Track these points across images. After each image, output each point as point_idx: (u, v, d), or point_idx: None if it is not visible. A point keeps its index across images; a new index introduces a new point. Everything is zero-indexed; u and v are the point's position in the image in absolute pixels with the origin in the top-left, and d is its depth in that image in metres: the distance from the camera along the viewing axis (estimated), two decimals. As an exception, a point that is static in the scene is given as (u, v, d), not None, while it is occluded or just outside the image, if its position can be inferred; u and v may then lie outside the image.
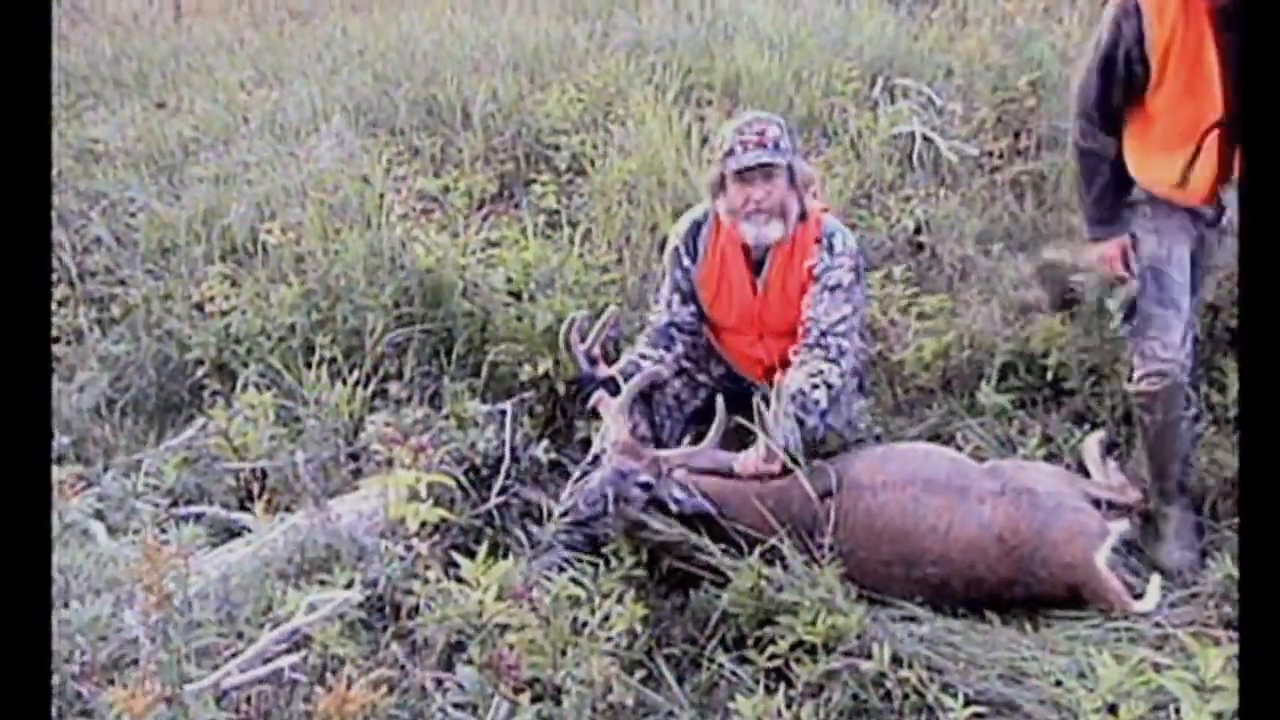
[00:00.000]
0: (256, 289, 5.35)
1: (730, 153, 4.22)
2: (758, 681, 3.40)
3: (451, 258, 5.28)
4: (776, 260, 4.34)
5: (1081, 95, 4.05)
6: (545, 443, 4.65)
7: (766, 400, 3.96)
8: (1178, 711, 2.76)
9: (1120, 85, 3.93)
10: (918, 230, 6.01)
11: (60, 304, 5.77)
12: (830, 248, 4.30)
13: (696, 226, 4.48)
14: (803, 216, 4.33)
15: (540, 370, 4.89)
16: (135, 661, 3.04)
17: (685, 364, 4.54)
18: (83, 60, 9.21)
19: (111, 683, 2.90)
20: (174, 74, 9.05)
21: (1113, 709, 2.89)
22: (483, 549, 3.36)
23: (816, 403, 4.14)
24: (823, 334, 4.24)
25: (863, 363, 4.65)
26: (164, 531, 3.62)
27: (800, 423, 4.07)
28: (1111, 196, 4.12)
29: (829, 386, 4.18)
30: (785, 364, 4.29)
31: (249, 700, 3.03)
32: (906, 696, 3.34)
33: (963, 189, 6.30)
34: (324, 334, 5.05)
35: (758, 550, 3.72)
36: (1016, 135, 6.76)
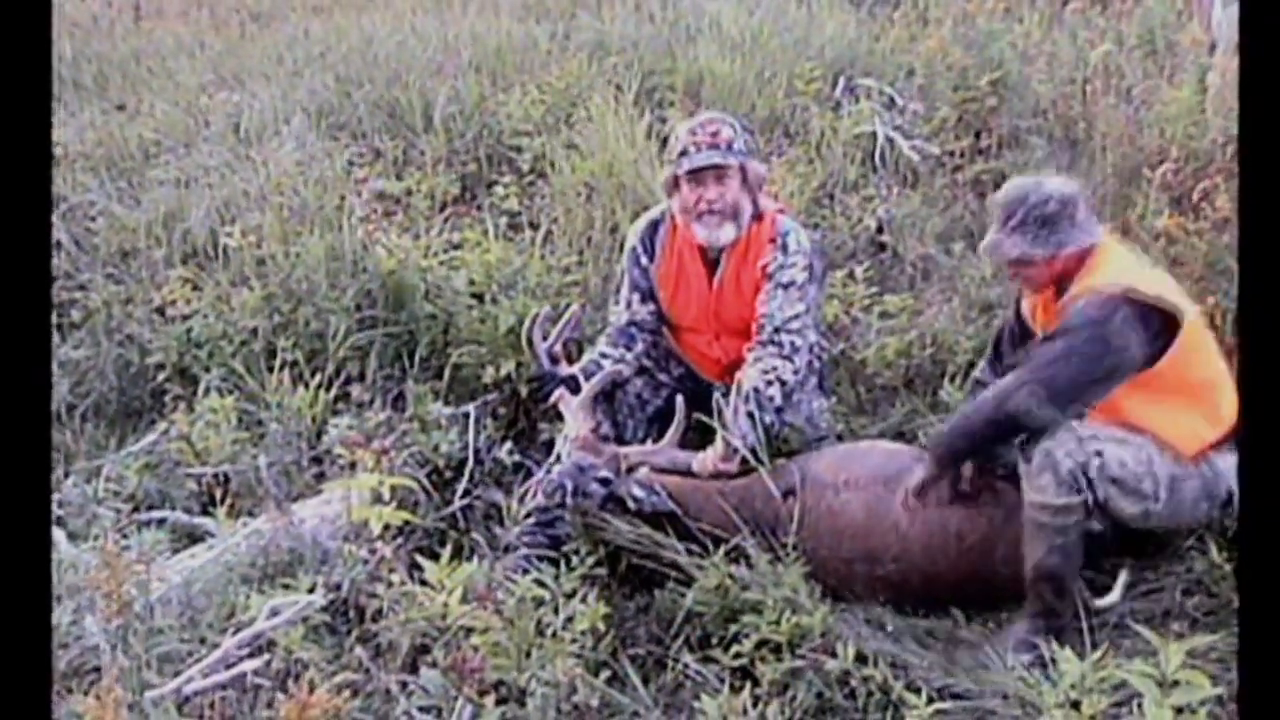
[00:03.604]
0: (217, 292, 5.32)
1: (684, 153, 4.23)
2: (722, 681, 3.40)
3: (413, 260, 5.27)
4: (732, 260, 4.35)
5: None
6: (509, 445, 4.65)
7: (726, 398, 3.97)
8: (1139, 706, 2.77)
9: None
10: (880, 230, 6.04)
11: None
12: (784, 247, 4.31)
13: (654, 226, 4.49)
14: (757, 216, 4.34)
15: (503, 372, 4.89)
16: (96, 669, 3.03)
17: (646, 363, 4.54)
18: (41, 63, 9.13)
19: (71, 690, 2.89)
20: (134, 77, 9.00)
21: (1075, 705, 2.90)
22: (446, 551, 3.37)
23: (771, 399, 4.16)
24: (776, 331, 4.25)
25: (824, 362, 4.66)
26: (125, 537, 3.61)
27: (755, 420, 4.08)
28: None
29: (783, 383, 4.20)
30: (742, 363, 4.30)
31: (212, 706, 3.02)
32: (871, 694, 3.35)
33: (924, 188, 6.33)
34: (286, 337, 5.03)
35: (722, 549, 3.73)
36: (977, 135, 6.81)
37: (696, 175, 4.23)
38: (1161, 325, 3.57)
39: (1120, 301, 3.56)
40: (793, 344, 4.25)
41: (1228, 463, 3.64)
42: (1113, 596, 3.69)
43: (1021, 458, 3.59)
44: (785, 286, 4.29)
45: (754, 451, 4.02)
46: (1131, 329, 3.54)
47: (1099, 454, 3.51)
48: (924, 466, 3.83)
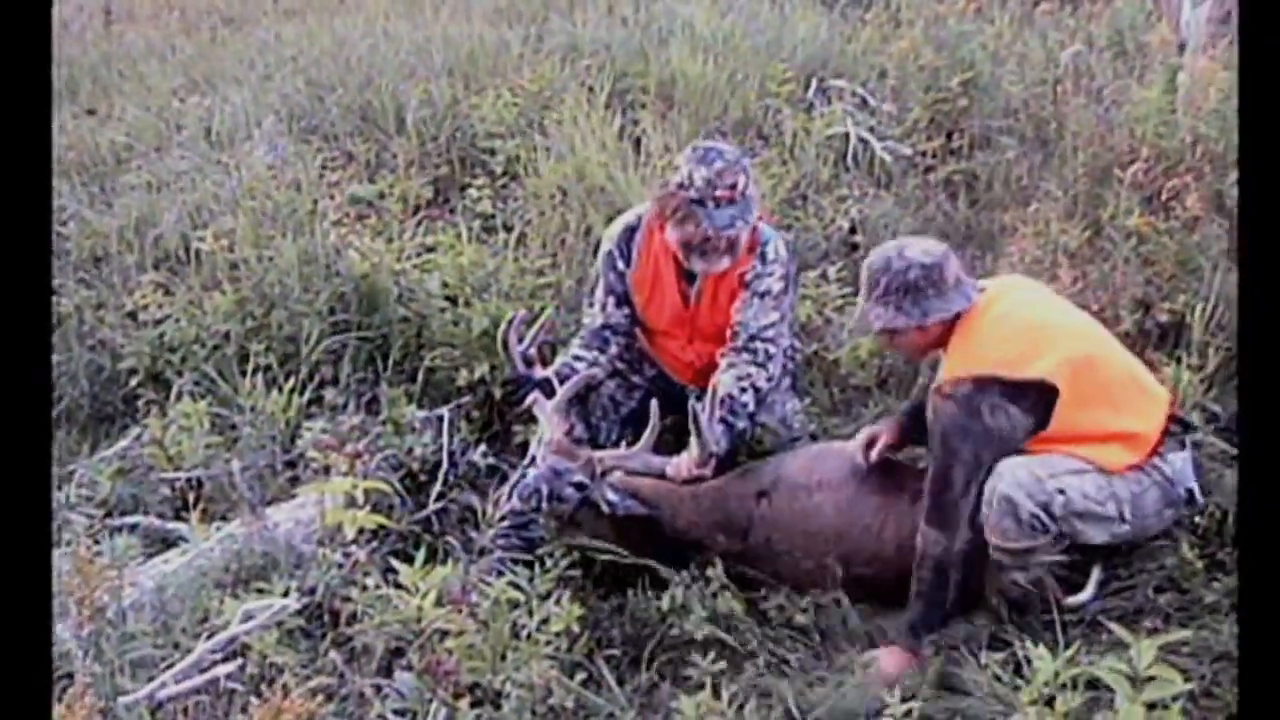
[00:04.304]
0: (190, 297, 5.31)
1: (701, 203, 4.14)
2: (701, 684, 3.39)
3: (387, 263, 5.27)
4: (711, 270, 4.35)
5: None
6: (483, 447, 4.67)
7: (700, 403, 3.96)
8: (1113, 703, 2.79)
9: None
10: (852, 230, 6.03)
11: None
12: (763, 256, 4.31)
13: (630, 231, 4.47)
14: None
15: (477, 375, 4.89)
16: (69, 675, 3.02)
17: (619, 365, 4.53)
18: (11, 68, 9.09)
19: (45, 696, 2.88)
20: (105, 81, 8.97)
21: (1049, 702, 2.91)
22: (421, 554, 3.37)
23: (745, 405, 4.17)
24: (751, 338, 4.26)
25: (797, 362, 4.67)
26: (97, 543, 3.60)
27: (729, 426, 4.10)
28: None
29: (756, 390, 4.21)
30: (715, 367, 4.30)
31: (185, 711, 3.02)
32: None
33: (896, 189, 6.34)
34: (259, 341, 5.03)
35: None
36: (949, 135, 6.82)
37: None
38: (1037, 394, 3.52)
39: (979, 389, 3.52)
40: (767, 352, 4.26)
41: (1179, 462, 3.64)
42: (1085, 594, 3.70)
43: (981, 500, 3.55)
44: (762, 296, 4.29)
45: (729, 455, 4.03)
46: (1003, 411, 3.51)
47: (1061, 491, 3.49)
48: (904, 657, 3.62)
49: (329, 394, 4.82)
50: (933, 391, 3.64)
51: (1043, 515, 3.46)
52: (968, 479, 3.54)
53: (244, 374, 4.85)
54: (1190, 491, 3.67)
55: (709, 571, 3.79)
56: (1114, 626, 2.94)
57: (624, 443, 4.35)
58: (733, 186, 4.14)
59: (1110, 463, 3.56)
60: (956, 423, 3.54)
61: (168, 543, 4.10)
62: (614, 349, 4.51)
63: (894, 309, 3.62)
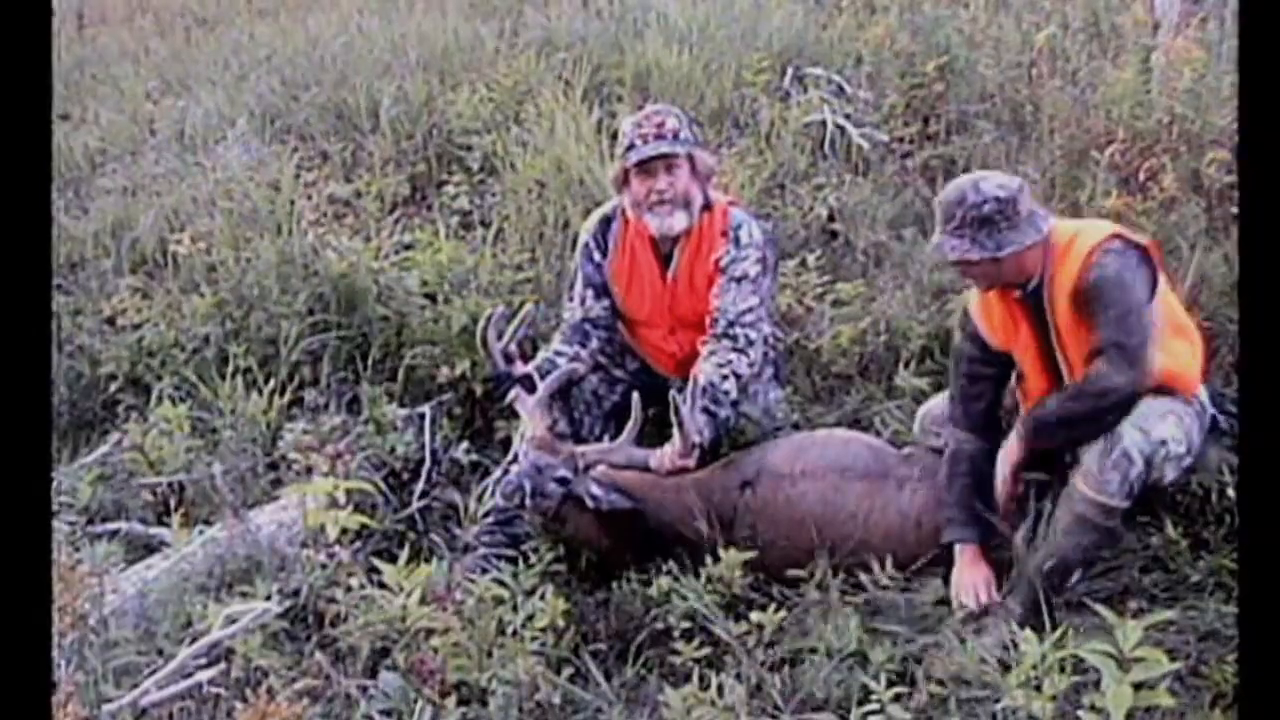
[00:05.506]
0: (168, 300, 5.30)
1: (631, 146, 4.24)
2: (688, 677, 3.38)
3: (365, 262, 5.26)
4: (684, 253, 4.35)
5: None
6: (465, 444, 4.66)
7: (681, 394, 3.95)
8: (1097, 685, 2.79)
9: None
10: (831, 218, 6.02)
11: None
12: (737, 240, 4.32)
13: (606, 222, 4.48)
14: (707, 207, 4.34)
15: (458, 372, 4.89)
16: (53, 684, 3.00)
17: (601, 359, 4.52)
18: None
19: (27, 706, 2.86)
20: (78, 85, 8.95)
21: (1037, 685, 2.92)
22: (404, 553, 3.37)
23: (726, 393, 4.15)
24: (730, 324, 4.25)
25: (779, 351, 4.66)
26: (78, 550, 3.59)
27: (712, 415, 4.08)
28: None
29: (738, 377, 4.19)
30: (697, 357, 4.29)
31: (170, 717, 3.01)
32: (840, 681, 3.36)
33: (874, 175, 6.33)
34: (238, 343, 5.02)
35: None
36: (926, 120, 6.80)
37: (645, 167, 4.23)
38: (1149, 267, 3.57)
39: (1125, 247, 3.55)
40: (747, 337, 4.25)
41: (1204, 390, 3.72)
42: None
43: (1090, 449, 3.52)
44: (738, 280, 4.29)
45: (712, 445, 4.02)
46: (1141, 278, 3.54)
47: (1163, 443, 3.48)
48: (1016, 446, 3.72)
49: (309, 395, 4.82)
50: (1079, 258, 3.58)
51: (1145, 476, 3.47)
52: (1144, 322, 3.53)
53: (224, 377, 4.84)
54: (1214, 417, 3.72)
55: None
56: (1099, 608, 2.94)
57: (607, 437, 4.34)
58: (660, 124, 4.23)
59: (1187, 376, 3.63)
60: (1119, 274, 3.52)
61: (150, 548, 4.09)
62: (595, 343, 4.50)
63: (969, 241, 3.59)
